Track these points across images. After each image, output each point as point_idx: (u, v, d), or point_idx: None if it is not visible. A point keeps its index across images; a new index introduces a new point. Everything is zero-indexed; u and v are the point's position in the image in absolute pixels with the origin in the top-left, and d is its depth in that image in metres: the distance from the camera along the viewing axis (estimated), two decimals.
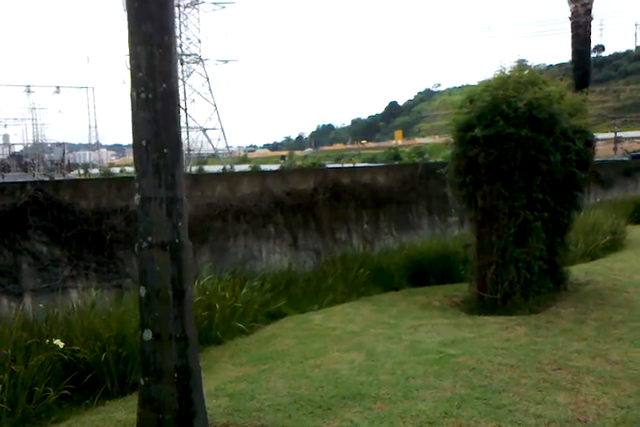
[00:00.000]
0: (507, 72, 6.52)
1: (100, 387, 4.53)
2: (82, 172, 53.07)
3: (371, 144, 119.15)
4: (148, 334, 3.18)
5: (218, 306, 5.92)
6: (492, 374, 4.44)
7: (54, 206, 5.76)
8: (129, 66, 3.14)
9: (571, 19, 11.77)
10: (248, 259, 7.78)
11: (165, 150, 3.03)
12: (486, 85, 6.45)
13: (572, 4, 11.69)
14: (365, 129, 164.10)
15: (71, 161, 68.51)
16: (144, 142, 3.12)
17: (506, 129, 6.10)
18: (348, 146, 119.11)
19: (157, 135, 3.04)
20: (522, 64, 6.95)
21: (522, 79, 6.41)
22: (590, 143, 7.26)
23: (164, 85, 3.00)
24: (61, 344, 4.40)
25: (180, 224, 3.10)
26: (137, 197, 3.20)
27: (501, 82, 6.45)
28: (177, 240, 3.09)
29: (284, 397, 4.14)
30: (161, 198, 3.03)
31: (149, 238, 3.11)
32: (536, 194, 6.43)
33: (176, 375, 3.13)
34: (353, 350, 5.27)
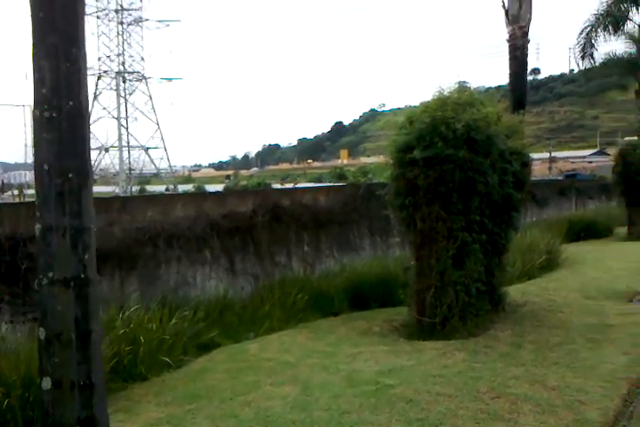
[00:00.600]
0: (446, 93, 6.51)
1: None
2: (16, 193, 50.92)
3: (317, 164, 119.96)
4: (47, 383, 2.84)
5: (143, 339, 5.54)
6: (430, 406, 4.27)
7: None
8: (32, 81, 2.86)
9: (508, 41, 12.09)
10: (181, 286, 7.41)
11: (71, 175, 2.74)
12: (425, 107, 6.42)
13: (509, 27, 12.01)
14: (311, 148, 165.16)
15: (6, 181, 65.83)
16: (46, 166, 2.82)
17: (444, 150, 6.06)
18: (294, 165, 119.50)
19: (61, 158, 2.75)
20: (462, 86, 6.98)
21: (460, 100, 6.42)
22: (526, 164, 7.35)
23: (70, 103, 2.71)
24: None
25: (86, 257, 2.80)
26: (37, 226, 2.90)
27: (440, 103, 6.44)
28: (83, 275, 2.79)
29: None
30: (65, 228, 2.73)
31: (50, 274, 2.80)
32: (474, 216, 6.40)
33: None
34: (287, 384, 5.01)
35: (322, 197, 9.84)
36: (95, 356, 2.89)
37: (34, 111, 2.85)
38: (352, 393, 4.63)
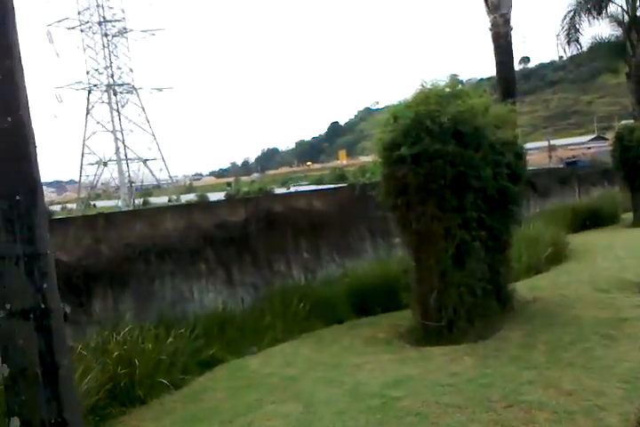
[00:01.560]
0: (428, 86, 6.27)
1: None
2: None
3: (316, 166, 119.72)
4: (15, 423, 2.61)
5: (138, 361, 5.31)
6: (439, 419, 4.03)
7: None
8: None
9: (491, 29, 11.84)
10: (178, 301, 7.18)
11: (18, 197, 2.51)
12: (409, 102, 6.18)
13: (490, 16, 11.77)
14: (310, 151, 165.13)
15: None
16: None
17: (432, 146, 5.82)
18: (294, 168, 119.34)
19: (4, 180, 2.51)
20: (446, 78, 6.72)
21: (444, 93, 6.18)
22: (520, 155, 7.09)
23: (9, 119, 2.48)
24: None
25: (45, 286, 2.58)
26: None
27: (424, 97, 6.20)
28: (43, 305, 2.56)
29: None
30: (17, 256, 2.51)
31: (8, 306, 2.57)
32: (470, 213, 6.15)
33: None
34: (290, 401, 4.77)
35: (317, 200, 9.61)
36: (66, 392, 2.66)
37: None
38: (357, 409, 4.39)
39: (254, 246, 8.34)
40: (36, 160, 2.59)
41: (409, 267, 6.55)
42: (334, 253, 9.84)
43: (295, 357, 6.24)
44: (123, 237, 6.60)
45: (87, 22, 56.45)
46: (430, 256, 6.18)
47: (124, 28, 58.16)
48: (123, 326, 5.91)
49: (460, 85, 6.59)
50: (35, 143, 2.57)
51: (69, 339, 2.81)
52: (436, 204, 6.01)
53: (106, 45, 57.79)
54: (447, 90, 6.27)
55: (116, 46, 58.17)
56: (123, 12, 57.35)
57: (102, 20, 56.94)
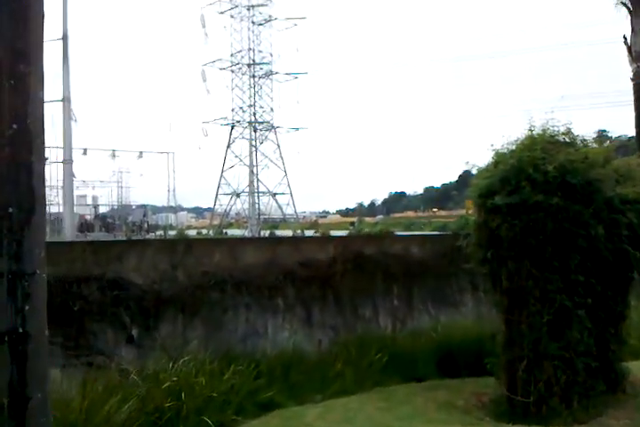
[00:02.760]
0: (537, 131, 5.64)
1: None
2: (160, 233, 54.79)
3: (442, 212, 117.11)
4: None
5: (186, 395, 5.09)
6: None
7: None
8: None
9: (633, 80, 10.76)
10: (249, 336, 6.95)
11: (11, 210, 2.36)
12: (513, 147, 5.59)
13: (634, 64, 10.72)
14: (438, 197, 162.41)
15: (154, 222, 71.47)
16: None
17: (533, 197, 5.15)
18: (420, 214, 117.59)
19: None
20: (567, 127, 5.99)
21: (554, 139, 5.51)
22: None
23: (14, 126, 2.36)
24: None
25: (27, 308, 2.37)
26: None
27: (530, 142, 5.57)
28: (21, 329, 2.36)
29: None
30: (1, 273, 2.34)
31: None
32: (576, 275, 5.33)
33: None
34: None
35: (415, 246, 9.05)
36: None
37: None
38: None
39: (338, 287, 7.96)
40: (41, 173, 2.46)
41: (498, 330, 5.80)
42: (429, 303, 9.15)
43: (357, 413, 5.70)
44: (201, 264, 6.54)
45: (238, 64, 60.62)
46: (522, 320, 5.42)
47: (271, 71, 61.73)
48: (183, 355, 5.79)
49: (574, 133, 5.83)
50: (42, 156, 2.45)
51: (49, 369, 2.58)
52: (533, 261, 5.29)
53: (252, 86, 61.58)
54: (562, 138, 5.60)
55: (261, 87, 61.78)
56: (271, 55, 60.84)
57: (252, 62, 60.97)
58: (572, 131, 5.85)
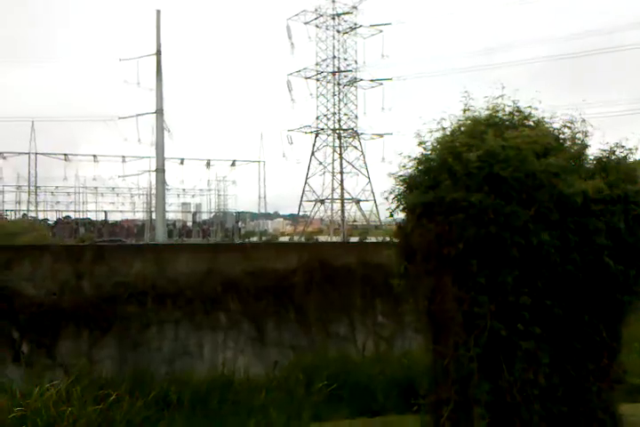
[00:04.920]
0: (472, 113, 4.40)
1: None
2: (253, 239, 55.95)
3: None
4: None
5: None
6: None
7: None
8: None
9: None
10: (179, 356, 6.17)
11: None
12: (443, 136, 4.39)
13: None
14: None
15: (251, 229, 73.53)
16: None
17: (451, 193, 3.96)
18: None
19: None
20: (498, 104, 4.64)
21: (493, 120, 4.26)
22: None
23: None
24: None
25: None
26: None
27: (472, 126, 4.36)
28: None
29: None
30: None
31: None
32: (516, 296, 4.05)
33: None
34: None
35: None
36: None
37: None
38: None
39: (302, 301, 6.99)
40: None
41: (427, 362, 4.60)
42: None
43: None
44: (116, 273, 5.86)
45: (322, 72, 60.65)
46: (448, 353, 4.21)
47: (355, 78, 61.21)
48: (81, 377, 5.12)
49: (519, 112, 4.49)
50: None
51: None
52: (456, 277, 4.08)
53: (336, 93, 61.35)
54: (499, 118, 4.35)
55: (345, 95, 61.40)
56: (355, 62, 60.36)
57: (337, 70, 60.72)
58: (532, 110, 4.55)
